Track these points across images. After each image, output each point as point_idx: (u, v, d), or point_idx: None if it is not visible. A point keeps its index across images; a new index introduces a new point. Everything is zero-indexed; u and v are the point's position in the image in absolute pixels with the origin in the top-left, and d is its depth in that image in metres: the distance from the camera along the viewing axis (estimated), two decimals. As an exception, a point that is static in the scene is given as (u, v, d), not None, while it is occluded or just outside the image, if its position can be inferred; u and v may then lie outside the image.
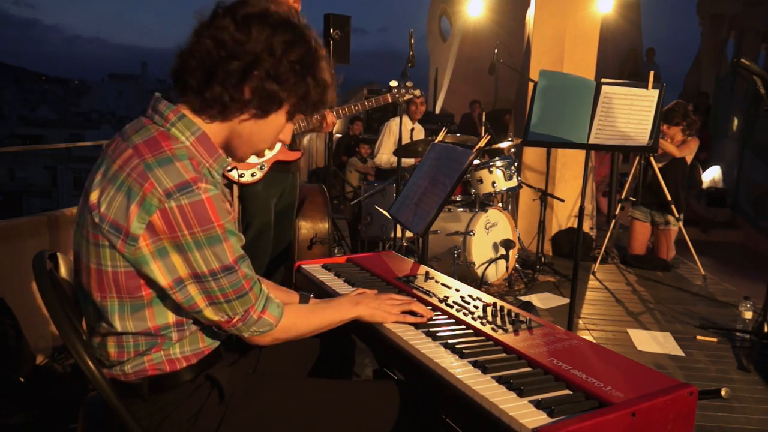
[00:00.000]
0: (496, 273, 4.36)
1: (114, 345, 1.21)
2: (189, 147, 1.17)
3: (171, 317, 1.20)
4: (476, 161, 4.31)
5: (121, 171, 1.11)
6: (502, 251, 4.22)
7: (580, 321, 3.83)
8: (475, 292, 1.66)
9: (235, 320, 1.19)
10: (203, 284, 1.13)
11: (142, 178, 1.09)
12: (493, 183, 4.36)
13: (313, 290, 1.82)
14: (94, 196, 1.13)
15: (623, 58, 12.66)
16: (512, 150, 5.17)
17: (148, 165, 1.10)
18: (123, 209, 1.09)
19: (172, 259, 1.11)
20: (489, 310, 1.51)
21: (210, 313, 1.17)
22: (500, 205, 4.66)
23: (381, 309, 1.45)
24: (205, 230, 1.10)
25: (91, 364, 1.15)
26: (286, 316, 1.28)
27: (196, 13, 1.18)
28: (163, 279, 1.12)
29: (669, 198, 4.88)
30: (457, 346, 1.30)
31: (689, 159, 5.11)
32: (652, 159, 4.92)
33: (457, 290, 1.69)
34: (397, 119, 5.42)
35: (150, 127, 1.17)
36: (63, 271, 1.40)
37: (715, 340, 3.52)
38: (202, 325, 1.26)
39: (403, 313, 1.47)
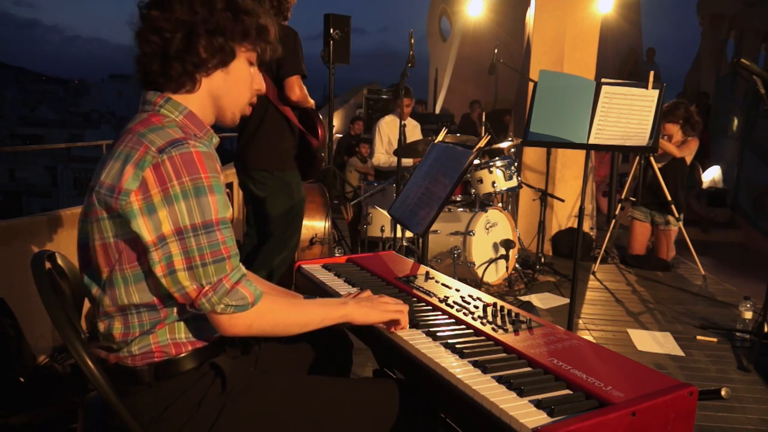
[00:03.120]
0: (496, 273, 4.36)
1: (120, 325, 1.24)
2: (178, 121, 1.27)
3: None
4: (476, 161, 4.31)
5: (118, 147, 1.21)
6: (502, 251, 4.22)
7: (580, 321, 3.83)
8: (475, 292, 1.66)
9: (206, 289, 1.16)
10: (184, 242, 1.15)
11: (137, 144, 1.18)
12: (493, 183, 4.36)
13: (313, 291, 1.81)
14: (97, 176, 1.22)
15: (623, 58, 12.68)
16: (512, 150, 5.17)
17: (141, 134, 1.20)
18: (118, 172, 1.17)
19: (159, 215, 1.15)
20: (489, 310, 1.51)
21: (184, 278, 1.16)
22: (500, 205, 4.67)
23: (375, 308, 1.40)
24: (192, 179, 1.16)
25: (91, 364, 1.16)
26: (264, 301, 1.24)
27: (130, 24, 1.27)
28: (147, 234, 1.15)
29: (669, 198, 4.88)
30: (457, 345, 1.30)
31: (689, 159, 5.11)
32: (652, 159, 4.92)
33: (457, 290, 1.69)
34: (386, 119, 5.43)
35: (142, 114, 1.28)
36: (62, 271, 1.40)
37: (715, 340, 3.52)
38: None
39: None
